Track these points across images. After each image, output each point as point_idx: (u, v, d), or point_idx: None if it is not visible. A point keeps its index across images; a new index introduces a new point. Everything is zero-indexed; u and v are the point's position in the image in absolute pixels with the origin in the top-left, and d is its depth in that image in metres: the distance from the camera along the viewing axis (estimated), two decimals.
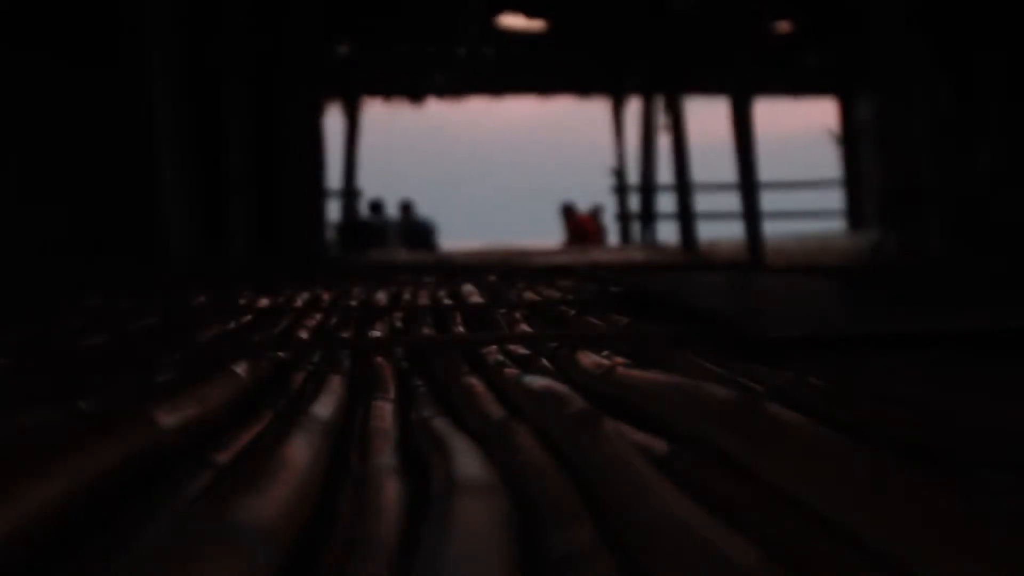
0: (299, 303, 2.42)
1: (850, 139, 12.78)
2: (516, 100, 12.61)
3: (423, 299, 2.53)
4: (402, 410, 0.99)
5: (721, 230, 10.86)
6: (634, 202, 11.99)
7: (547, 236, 13.05)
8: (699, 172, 8.13)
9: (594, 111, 12.57)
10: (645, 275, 3.37)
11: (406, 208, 11.20)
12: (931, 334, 1.36)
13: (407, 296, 2.68)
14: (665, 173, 10.56)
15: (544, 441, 0.76)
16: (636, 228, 11.88)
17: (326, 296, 2.68)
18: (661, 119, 10.86)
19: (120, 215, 5.66)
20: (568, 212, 11.93)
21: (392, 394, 1.08)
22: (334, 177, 10.65)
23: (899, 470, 0.57)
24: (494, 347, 1.41)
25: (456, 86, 11.90)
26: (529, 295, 2.59)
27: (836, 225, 12.78)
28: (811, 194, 13.20)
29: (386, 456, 0.75)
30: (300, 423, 0.81)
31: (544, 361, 1.31)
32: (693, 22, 8.04)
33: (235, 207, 5.09)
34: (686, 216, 7.95)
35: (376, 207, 10.96)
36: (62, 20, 5.55)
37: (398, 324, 1.95)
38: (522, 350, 1.41)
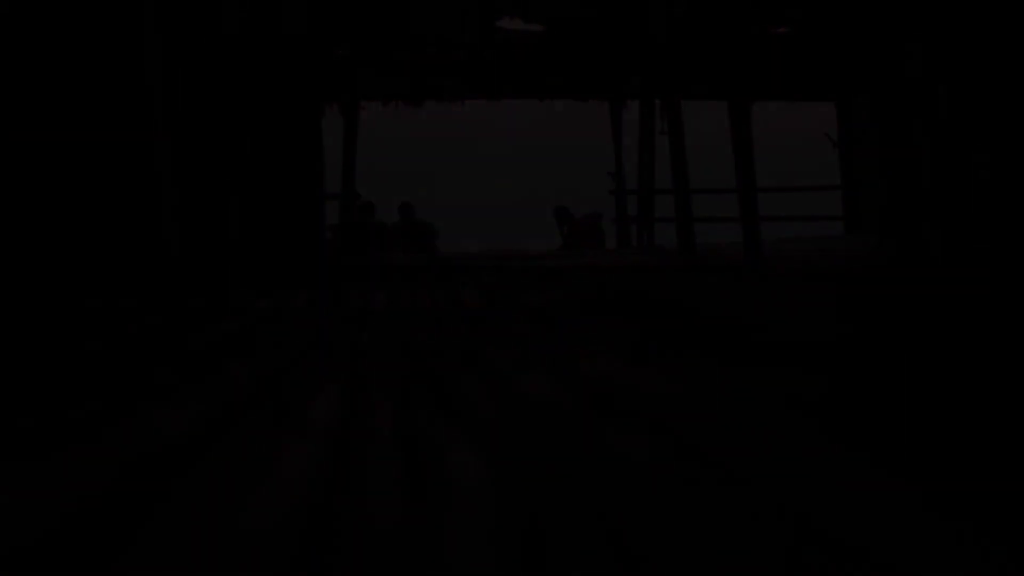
0: (298, 304, 2.42)
1: (848, 143, 12.78)
2: (515, 103, 12.60)
3: (421, 301, 2.53)
4: (401, 409, 0.99)
5: (719, 233, 10.84)
6: (632, 205, 11.99)
7: (546, 239, 13.04)
8: (697, 176, 8.12)
9: (593, 114, 12.57)
10: (643, 278, 3.37)
11: (405, 210, 11.18)
12: (925, 339, 1.36)
13: (406, 298, 2.68)
14: (664, 177, 10.56)
15: (541, 439, 0.77)
16: (634, 231, 11.86)
17: (324, 297, 2.68)
18: (659, 123, 10.86)
19: (120, 217, 5.65)
20: (564, 215, 11.90)
21: (391, 394, 1.08)
22: (333, 179, 10.63)
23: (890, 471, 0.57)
24: (493, 348, 1.41)
25: (455, 89, 11.89)
26: (528, 298, 2.59)
27: (834, 228, 12.77)
28: (809, 197, 13.20)
29: (385, 455, 0.75)
30: (300, 420, 0.81)
31: (542, 363, 1.31)
32: (692, 27, 8.04)
33: (233, 210, 5.09)
34: (684, 219, 7.94)
35: (373, 209, 10.93)
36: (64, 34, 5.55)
37: (397, 325, 1.96)
38: (520, 352, 1.42)
